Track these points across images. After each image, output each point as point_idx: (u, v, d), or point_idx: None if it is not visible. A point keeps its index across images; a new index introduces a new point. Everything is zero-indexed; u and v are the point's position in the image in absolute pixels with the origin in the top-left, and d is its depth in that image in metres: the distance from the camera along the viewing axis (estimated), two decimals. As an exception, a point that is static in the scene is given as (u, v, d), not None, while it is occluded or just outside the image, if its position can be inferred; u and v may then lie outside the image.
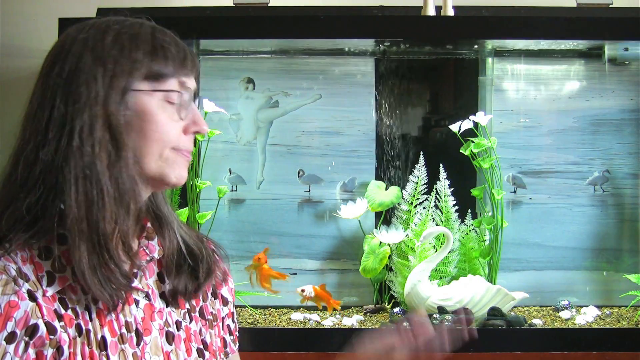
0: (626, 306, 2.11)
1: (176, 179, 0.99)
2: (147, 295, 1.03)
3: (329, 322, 2.02)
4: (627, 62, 2.23)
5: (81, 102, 0.93)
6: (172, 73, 0.98)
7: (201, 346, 1.08)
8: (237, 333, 1.23)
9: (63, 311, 0.92)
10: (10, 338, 0.87)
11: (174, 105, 0.97)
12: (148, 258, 1.05)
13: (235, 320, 1.22)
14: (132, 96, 0.95)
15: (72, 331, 0.92)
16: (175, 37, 1.01)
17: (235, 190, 2.23)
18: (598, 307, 2.13)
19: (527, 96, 2.24)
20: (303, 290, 1.99)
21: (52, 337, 0.90)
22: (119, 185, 0.94)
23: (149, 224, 1.07)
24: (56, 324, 0.91)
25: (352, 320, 2.01)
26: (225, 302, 1.17)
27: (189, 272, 1.07)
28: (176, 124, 0.98)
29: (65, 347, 0.91)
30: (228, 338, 1.18)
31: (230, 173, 2.23)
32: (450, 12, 2.02)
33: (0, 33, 2.25)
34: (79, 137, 0.92)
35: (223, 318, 1.17)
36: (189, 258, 1.07)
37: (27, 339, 0.89)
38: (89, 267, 0.92)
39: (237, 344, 1.23)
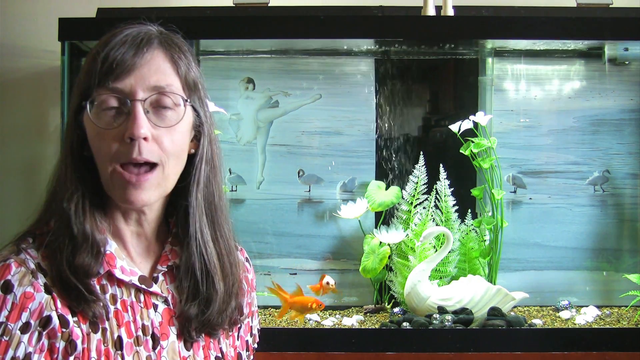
0: (626, 306, 2.11)
1: (121, 201, 0.96)
2: (165, 300, 1.03)
3: (329, 322, 2.02)
4: (627, 62, 2.23)
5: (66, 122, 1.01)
6: (98, 83, 0.95)
7: (219, 354, 1.08)
8: (255, 345, 1.22)
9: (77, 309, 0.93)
10: (25, 328, 0.89)
11: (108, 115, 0.95)
12: (170, 263, 1.05)
13: (253, 333, 1.21)
14: (81, 115, 0.98)
15: (85, 327, 0.93)
16: (138, 39, 0.97)
17: (235, 190, 2.23)
18: (598, 307, 2.12)
19: (527, 96, 2.24)
20: (328, 283, 1.98)
21: (64, 330, 0.91)
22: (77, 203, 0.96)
23: (175, 230, 1.07)
24: (69, 318, 0.92)
25: (352, 320, 2.01)
26: (241, 312, 1.14)
27: (201, 299, 1.03)
28: (115, 134, 0.95)
29: (79, 342, 0.92)
30: (244, 354, 1.17)
31: (230, 173, 2.23)
32: (450, 12, 2.02)
33: (0, 33, 2.25)
34: (62, 151, 1.00)
35: (239, 328, 1.16)
36: (205, 282, 1.03)
37: (40, 329, 0.90)
38: (59, 277, 0.93)
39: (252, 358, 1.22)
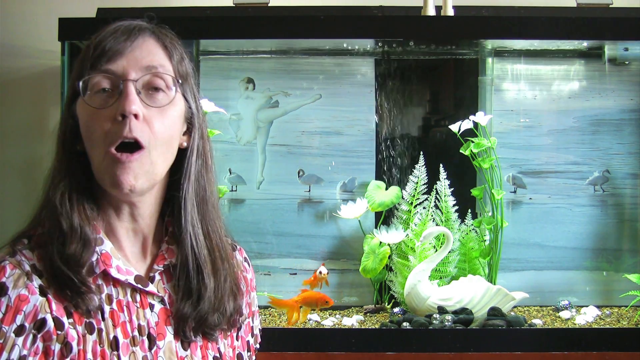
0: (626, 306, 2.11)
1: (110, 186, 0.95)
2: (162, 300, 1.02)
3: (329, 322, 2.01)
4: (627, 62, 2.24)
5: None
6: (91, 67, 0.96)
7: (217, 354, 1.07)
8: (257, 346, 1.22)
9: (73, 309, 0.93)
10: (19, 331, 0.89)
11: (101, 97, 0.96)
12: (166, 263, 1.04)
13: (255, 333, 1.21)
14: (74, 104, 0.98)
15: (81, 329, 0.93)
16: (130, 27, 0.98)
17: (235, 190, 2.23)
18: (598, 307, 2.12)
19: (527, 96, 2.25)
20: (320, 272, 1.97)
21: (59, 332, 0.91)
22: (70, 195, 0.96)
23: (171, 229, 1.06)
24: (64, 320, 0.91)
25: (352, 320, 2.01)
26: (240, 313, 1.13)
27: (194, 298, 1.03)
28: (107, 114, 0.95)
29: (74, 344, 0.91)
30: (245, 354, 1.16)
31: (230, 173, 2.23)
32: (450, 12, 2.02)
33: (0, 33, 2.25)
34: (56, 145, 1.01)
35: (238, 329, 1.15)
36: (195, 277, 1.03)
37: (35, 332, 0.90)
38: (52, 269, 0.93)
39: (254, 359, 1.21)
